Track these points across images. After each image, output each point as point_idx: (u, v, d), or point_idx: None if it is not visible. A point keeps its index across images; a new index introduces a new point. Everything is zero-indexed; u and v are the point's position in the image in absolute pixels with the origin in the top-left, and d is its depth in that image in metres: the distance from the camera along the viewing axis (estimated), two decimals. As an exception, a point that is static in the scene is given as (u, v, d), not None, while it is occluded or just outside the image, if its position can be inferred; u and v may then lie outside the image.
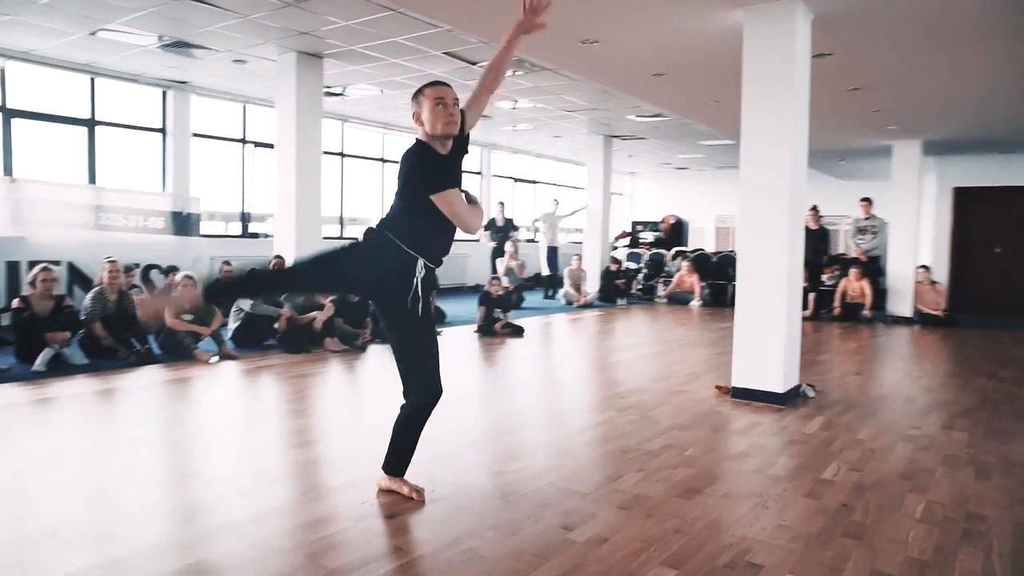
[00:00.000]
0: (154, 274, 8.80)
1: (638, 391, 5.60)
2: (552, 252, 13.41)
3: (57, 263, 8.00)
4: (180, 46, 7.65)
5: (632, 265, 14.84)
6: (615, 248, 16.30)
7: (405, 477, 3.18)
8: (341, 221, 12.19)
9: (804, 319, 10.54)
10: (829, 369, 6.75)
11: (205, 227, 9.84)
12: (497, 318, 8.47)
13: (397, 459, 3.14)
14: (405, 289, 2.88)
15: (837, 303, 10.99)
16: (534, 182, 16.68)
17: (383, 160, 12.80)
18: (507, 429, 4.44)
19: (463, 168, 3.08)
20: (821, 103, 8.58)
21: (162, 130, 9.56)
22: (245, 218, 10.63)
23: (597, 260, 13.33)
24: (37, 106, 8.43)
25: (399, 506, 3.05)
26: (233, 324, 7.06)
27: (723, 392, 5.38)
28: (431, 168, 2.80)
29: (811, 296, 10.83)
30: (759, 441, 4.19)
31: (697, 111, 9.56)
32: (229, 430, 4.38)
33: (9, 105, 8.16)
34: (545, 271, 13.38)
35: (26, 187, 8.03)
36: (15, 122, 8.20)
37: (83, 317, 6.22)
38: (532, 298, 12.65)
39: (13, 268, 7.82)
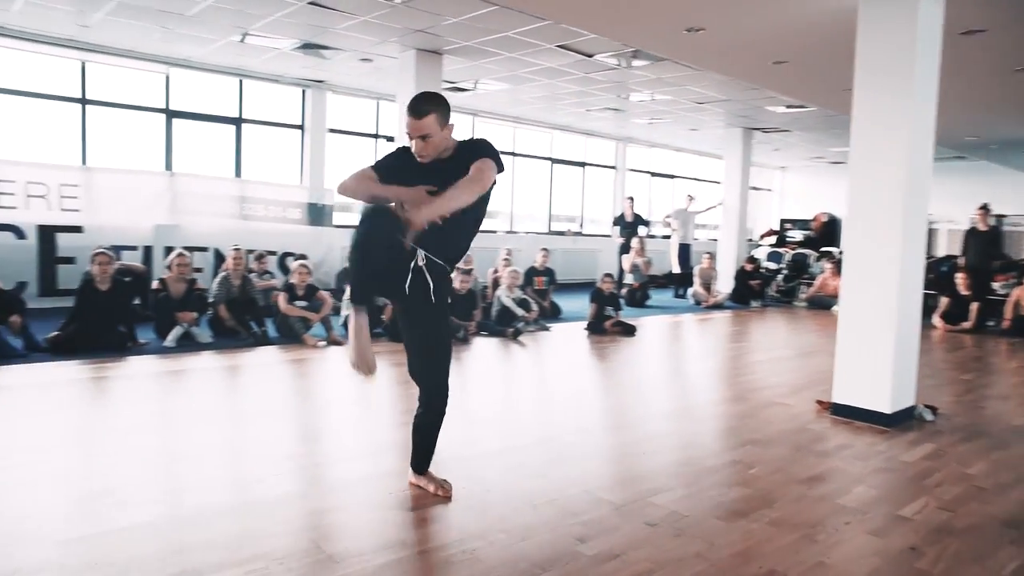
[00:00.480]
0: (288, 261, 9.43)
1: (731, 400, 5.26)
2: (684, 250, 12.92)
3: (205, 249, 8.84)
4: (313, 48, 8.13)
5: (772, 265, 13.97)
6: (757, 247, 15.44)
7: (431, 472, 3.17)
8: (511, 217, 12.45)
9: (963, 331, 9.50)
10: (969, 390, 5.98)
11: (337, 218, 10.41)
12: (608, 316, 8.28)
13: (417, 458, 3.14)
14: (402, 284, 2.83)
15: (1008, 315, 9.71)
16: (672, 176, 16.15)
17: (514, 154, 12.91)
18: (571, 431, 4.31)
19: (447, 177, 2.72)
20: (980, 87, 7.63)
21: (301, 126, 10.23)
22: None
23: (732, 259, 12.69)
24: (193, 107, 9.31)
25: (423, 500, 3.05)
26: (345, 312, 7.40)
27: (824, 408, 4.92)
28: (388, 157, 2.91)
29: (974, 305, 9.67)
30: (842, 465, 3.78)
31: (833, 100, 8.79)
32: (333, 408, 4.61)
33: (172, 107, 9.07)
34: (676, 269, 12.92)
35: (182, 180, 8.88)
36: (175, 122, 9.10)
37: (210, 300, 6.80)
38: (661, 297, 12.27)
39: (169, 252, 8.69)
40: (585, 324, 8.32)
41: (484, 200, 2.85)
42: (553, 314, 9.24)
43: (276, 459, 3.54)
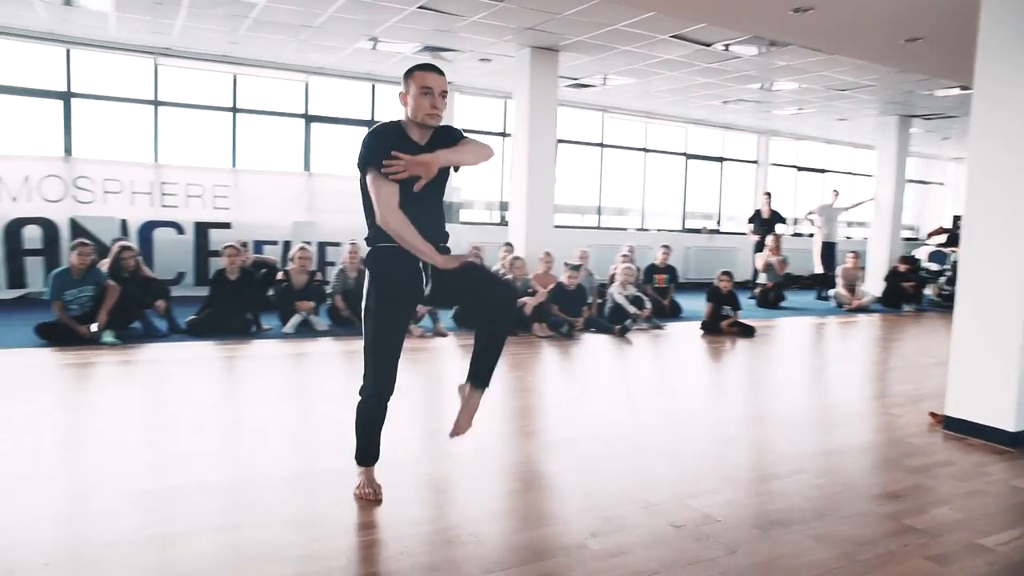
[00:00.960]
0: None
1: (832, 405, 4.89)
2: (828, 248, 12.03)
3: (339, 244, 9.43)
4: (434, 50, 8.44)
5: (934, 266, 12.67)
6: (920, 245, 14.06)
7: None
8: (599, 211, 12.34)
9: None
10: None
11: (464, 215, 10.73)
12: (726, 315, 7.92)
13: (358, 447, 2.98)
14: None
15: None
16: (822, 171, 15.09)
17: (645, 150, 12.65)
18: (638, 428, 4.19)
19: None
20: None
21: (431, 127, 10.63)
22: (503, 207, 11.36)
23: (883, 259, 11.66)
24: (330, 112, 9.98)
25: (454, 478, 3.11)
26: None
27: (936, 421, 4.42)
28: (378, 144, 2.63)
29: None
30: (931, 484, 3.39)
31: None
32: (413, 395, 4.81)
33: (310, 112, 9.78)
34: (818, 269, 12.07)
35: (319, 180, 9.55)
36: (313, 126, 9.81)
37: (328, 291, 7.26)
38: (800, 298, 11.53)
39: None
40: (702, 323, 8.01)
41: (447, 178, 2.80)
42: (673, 313, 8.97)
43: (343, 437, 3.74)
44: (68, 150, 8.54)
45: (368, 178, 2.67)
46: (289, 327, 6.79)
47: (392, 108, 10.44)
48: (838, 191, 12.26)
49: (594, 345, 6.97)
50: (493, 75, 9.58)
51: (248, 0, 6.72)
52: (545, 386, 5.48)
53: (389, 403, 2.86)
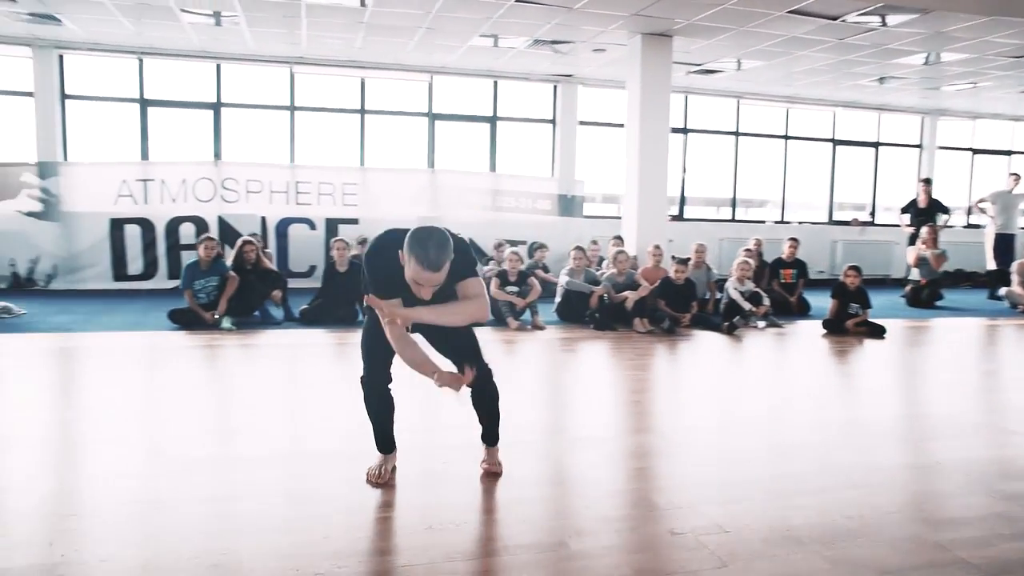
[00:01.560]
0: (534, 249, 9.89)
1: (945, 417, 4.31)
2: (1003, 241, 10.60)
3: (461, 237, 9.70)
4: (544, 43, 8.44)
5: None
6: None
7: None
8: (733, 203, 11.72)
9: None
10: None
11: (588, 208, 10.62)
12: (853, 314, 7.23)
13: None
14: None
15: None
16: (1006, 152, 13.32)
17: (786, 137, 11.82)
18: (694, 428, 3.95)
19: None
20: None
21: (552, 121, 10.63)
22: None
23: (1074, 252, 10.11)
24: (452, 109, 10.27)
25: (473, 471, 3.10)
26: (557, 300, 7.57)
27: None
28: (375, 274, 2.61)
29: None
30: (1016, 513, 2.90)
31: None
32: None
33: (434, 110, 10.13)
34: (990, 264, 10.68)
35: (442, 176, 9.86)
36: (437, 124, 10.16)
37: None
38: (968, 297, 10.30)
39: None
40: (823, 322, 7.38)
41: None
42: (801, 311, 8.34)
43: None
44: (217, 155, 9.46)
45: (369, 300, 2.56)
46: (390, 318, 7.08)
47: (513, 104, 10.56)
48: (1019, 175, 10.77)
49: (695, 342, 6.65)
50: (610, 65, 9.38)
51: (354, 7, 7.08)
52: (612, 381, 5.30)
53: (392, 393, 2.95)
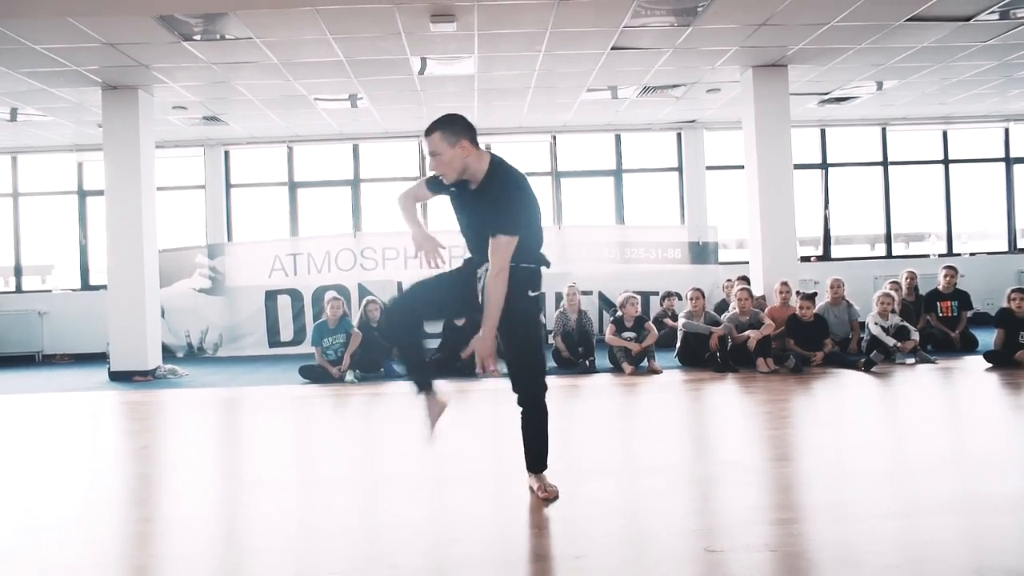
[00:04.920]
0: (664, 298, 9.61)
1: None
2: None
3: (590, 292, 9.66)
4: (654, 90, 8.43)
5: None
6: None
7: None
8: (888, 239, 10.73)
9: None
10: None
11: (724, 254, 10.21)
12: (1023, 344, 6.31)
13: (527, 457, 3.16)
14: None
15: None
16: None
17: (946, 161, 10.75)
18: (784, 458, 3.59)
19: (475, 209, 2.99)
20: None
21: (678, 168, 10.46)
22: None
23: None
24: (576, 165, 10.44)
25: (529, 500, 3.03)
26: (678, 345, 7.27)
27: None
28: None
29: None
30: None
31: None
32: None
33: (558, 168, 10.36)
34: None
35: (569, 232, 9.97)
36: (563, 180, 10.37)
37: (549, 331, 7.49)
38: None
39: (560, 296, 9.79)
40: (985, 354, 6.49)
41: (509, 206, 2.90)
42: (967, 347, 7.40)
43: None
44: (357, 227, 10.22)
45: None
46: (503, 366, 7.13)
47: (637, 155, 10.56)
48: None
49: (827, 380, 6.09)
50: (731, 106, 9.13)
51: (465, 74, 7.52)
52: (738, 416, 4.95)
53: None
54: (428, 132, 2.91)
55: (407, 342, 3.10)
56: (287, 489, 3.39)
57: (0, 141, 9.66)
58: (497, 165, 2.95)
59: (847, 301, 7.49)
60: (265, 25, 5.97)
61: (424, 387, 3.08)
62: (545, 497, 2.98)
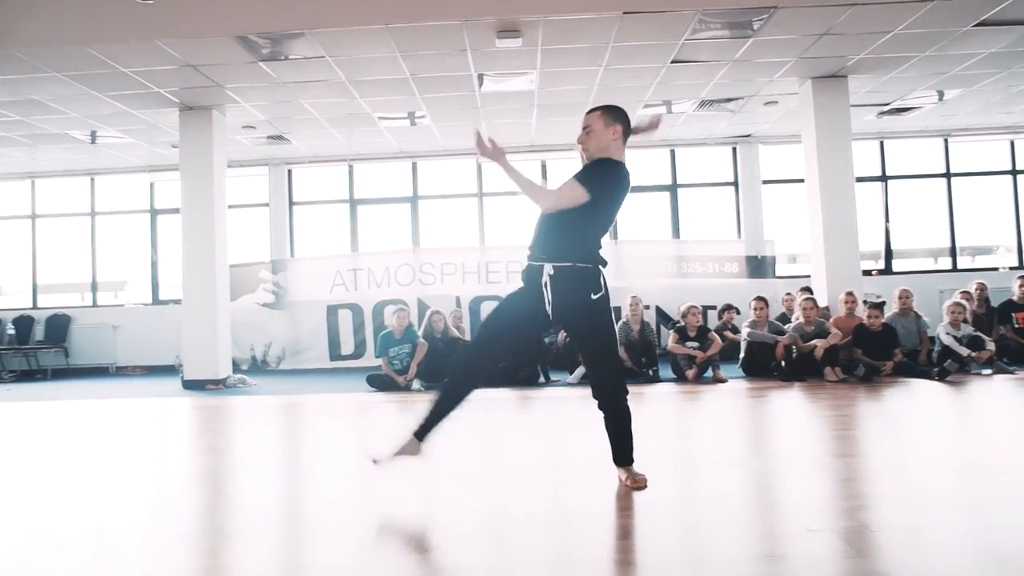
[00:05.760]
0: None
1: None
2: None
3: (648, 307, 9.66)
4: (712, 104, 8.46)
5: None
6: None
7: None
8: (953, 252, 10.49)
9: None
10: None
11: (781, 269, 10.11)
12: (1108, 355, 6.11)
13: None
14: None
15: None
16: None
17: (1014, 172, 10.50)
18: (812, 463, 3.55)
19: None
20: None
21: (734, 183, 10.43)
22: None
23: None
24: (632, 180, 10.46)
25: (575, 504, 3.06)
26: (741, 355, 7.22)
27: None
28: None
29: None
30: None
31: None
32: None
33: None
34: None
35: (625, 247, 10.00)
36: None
37: (611, 342, 7.50)
38: None
39: (616, 312, 9.81)
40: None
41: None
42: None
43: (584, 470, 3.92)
44: (416, 242, 10.42)
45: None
46: (573, 377, 7.18)
47: (693, 170, 10.57)
48: None
49: (901, 389, 5.97)
50: (788, 119, 9.10)
51: (524, 89, 7.67)
52: (809, 423, 4.89)
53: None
54: (591, 111, 3.18)
55: (458, 391, 3.16)
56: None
57: (80, 163, 10.15)
58: (621, 163, 3.15)
59: (915, 312, 7.35)
60: (337, 43, 6.22)
61: (423, 434, 3.16)
62: (635, 486, 3.01)
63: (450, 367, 3.27)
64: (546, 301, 3.06)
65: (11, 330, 10.14)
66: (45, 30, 5.70)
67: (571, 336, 3.08)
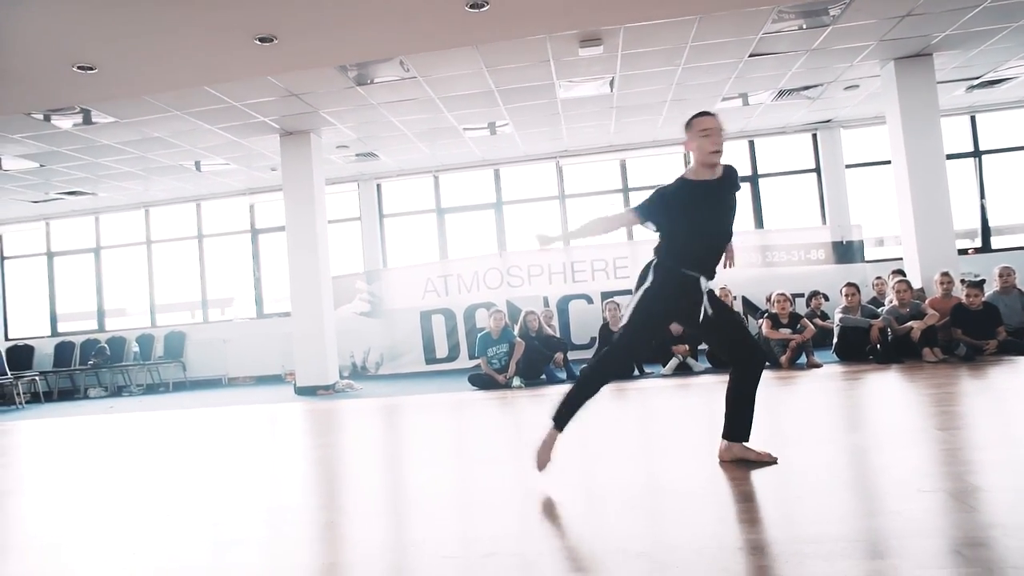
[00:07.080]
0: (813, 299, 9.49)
1: None
2: None
3: (735, 298, 9.71)
4: (791, 92, 8.48)
5: None
6: None
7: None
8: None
9: None
10: None
11: (869, 252, 9.98)
12: None
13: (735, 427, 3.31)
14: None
15: None
16: None
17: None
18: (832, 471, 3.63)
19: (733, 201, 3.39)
20: None
21: (816, 169, 10.35)
22: (917, 238, 10.21)
23: None
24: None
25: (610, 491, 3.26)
26: (835, 341, 7.23)
27: None
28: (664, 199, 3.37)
29: None
30: None
31: None
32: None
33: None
34: None
35: (706, 239, 10.06)
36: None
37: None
38: None
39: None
40: None
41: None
42: None
43: (623, 461, 4.14)
44: (502, 246, 10.76)
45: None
46: (667, 369, 7.35)
47: (773, 158, 10.54)
48: None
49: (1000, 367, 5.89)
50: (869, 101, 9.02)
51: (603, 93, 7.89)
52: (911, 402, 4.93)
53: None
54: (712, 114, 3.21)
55: (594, 384, 3.28)
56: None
57: (187, 191, 10.95)
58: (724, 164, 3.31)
59: (1019, 289, 7.20)
60: (430, 64, 6.60)
61: (563, 424, 3.28)
62: (759, 459, 3.19)
63: (597, 360, 3.41)
64: (704, 309, 3.25)
65: (136, 348, 11.00)
66: (173, 77, 6.27)
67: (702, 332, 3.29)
